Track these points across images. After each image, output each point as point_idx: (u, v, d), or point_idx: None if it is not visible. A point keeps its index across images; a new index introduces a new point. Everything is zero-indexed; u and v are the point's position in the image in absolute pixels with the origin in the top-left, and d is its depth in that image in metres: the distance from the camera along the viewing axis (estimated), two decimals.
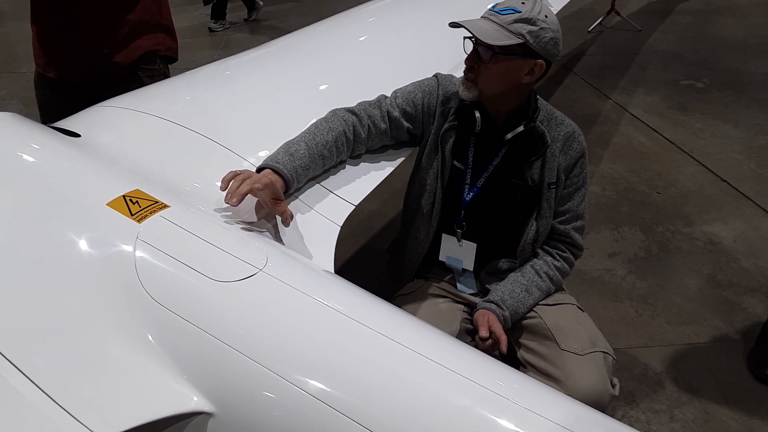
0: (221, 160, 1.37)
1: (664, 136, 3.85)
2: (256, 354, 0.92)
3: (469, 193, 1.56)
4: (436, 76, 1.60)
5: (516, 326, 1.57)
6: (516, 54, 1.40)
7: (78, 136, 1.35)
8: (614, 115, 4.16)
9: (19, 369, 0.84)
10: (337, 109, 1.51)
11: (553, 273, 1.59)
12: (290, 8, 6.89)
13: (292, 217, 1.26)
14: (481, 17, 1.43)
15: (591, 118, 4.10)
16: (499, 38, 1.38)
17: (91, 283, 0.98)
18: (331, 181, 1.46)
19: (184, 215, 1.11)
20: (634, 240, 2.88)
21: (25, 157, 1.22)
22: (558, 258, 1.60)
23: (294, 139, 1.40)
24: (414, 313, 1.55)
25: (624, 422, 0.97)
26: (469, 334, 1.56)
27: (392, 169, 1.57)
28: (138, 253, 1.01)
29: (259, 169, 1.31)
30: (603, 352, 1.47)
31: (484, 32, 1.39)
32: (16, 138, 1.27)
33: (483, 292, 1.61)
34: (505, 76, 1.43)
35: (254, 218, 1.24)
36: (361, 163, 1.54)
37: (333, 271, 1.21)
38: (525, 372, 1.49)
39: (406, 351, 0.95)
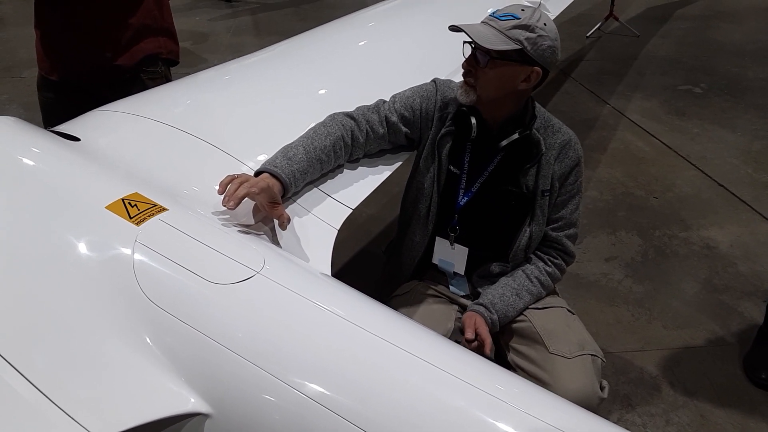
0: (220, 163, 1.38)
1: (661, 141, 3.86)
2: (253, 356, 0.92)
3: (463, 198, 1.58)
4: (434, 81, 1.62)
5: (506, 329, 1.58)
6: (513, 60, 1.41)
7: (78, 140, 1.36)
8: (612, 120, 4.18)
9: (17, 369, 0.85)
10: (335, 113, 1.52)
11: (544, 278, 1.60)
12: (290, 13, 6.91)
13: (289, 220, 1.27)
14: (481, 22, 1.45)
15: (589, 123, 4.12)
16: (496, 43, 1.39)
17: (89, 286, 0.98)
18: (329, 184, 1.47)
19: (182, 218, 1.12)
20: (631, 244, 2.90)
21: (25, 160, 1.23)
22: (550, 264, 1.61)
23: (292, 143, 1.41)
24: (408, 314, 1.56)
25: (620, 425, 0.98)
26: (462, 334, 1.57)
27: (390, 173, 1.58)
28: (136, 256, 1.02)
29: (257, 173, 1.33)
30: (591, 354, 1.48)
31: (483, 36, 1.40)
32: (16, 142, 1.28)
33: (475, 295, 1.62)
34: (501, 82, 1.44)
35: (252, 221, 1.25)
36: (359, 168, 1.55)
37: (330, 274, 1.22)
38: None
39: (402, 353, 0.96)
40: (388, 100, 1.59)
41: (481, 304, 1.54)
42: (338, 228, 1.37)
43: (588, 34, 5.82)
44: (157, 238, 1.05)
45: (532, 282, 1.58)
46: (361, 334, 0.98)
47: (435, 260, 1.65)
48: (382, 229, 3.00)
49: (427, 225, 1.61)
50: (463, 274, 1.63)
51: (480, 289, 1.61)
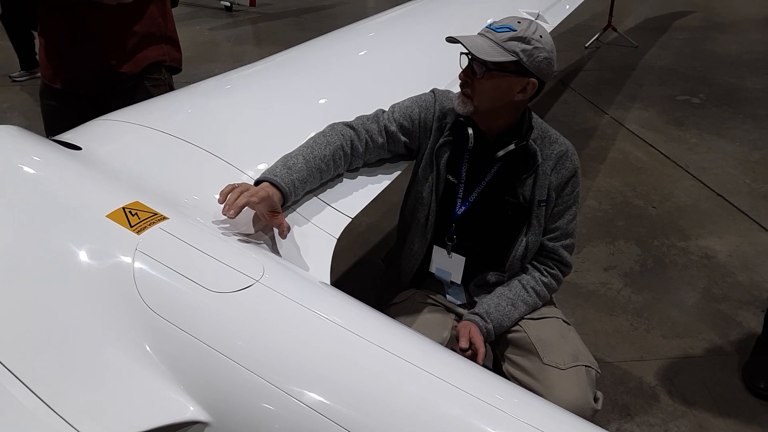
0: (220, 173, 1.39)
1: (660, 151, 3.88)
2: (252, 364, 0.93)
3: (461, 207, 1.58)
4: (433, 91, 1.63)
5: (501, 340, 1.59)
6: (509, 71, 1.42)
7: (79, 149, 1.37)
8: (611, 130, 4.19)
9: (17, 377, 0.85)
10: (335, 123, 1.53)
11: (540, 288, 1.60)
12: (290, 23, 6.95)
13: (288, 229, 1.28)
14: (478, 34, 1.46)
15: (588, 133, 4.13)
16: (492, 54, 1.40)
17: (90, 294, 0.99)
18: (328, 194, 1.48)
19: (182, 227, 1.13)
20: (630, 254, 2.90)
21: (27, 169, 1.23)
22: (546, 274, 1.62)
23: (292, 152, 1.42)
24: (406, 322, 1.57)
25: None
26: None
27: (389, 182, 1.59)
28: (137, 264, 1.03)
29: (257, 182, 1.33)
30: (585, 366, 1.48)
31: (479, 48, 1.41)
32: (17, 151, 1.28)
33: (472, 304, 1.63)
34: (498, 93, 1.45)
35: (252, 230, 1.26)
36: (358, 177, 1.56)
37: (329, 282, 1.22)
38: None
39: (401, 362, 0.97)
40: (387, 110, 1.60)
41: (477, 314, 1.55)
42: (338, 237, 1.37)
43: (587, 45, 5.86)
44: (158, 247, 1.06)
45: (528, 292, 1.59)
46: (359, 343, 0.99)
47: (432, 269, 1.66)
48: (382, 238, 3.01)
49: (425, 234, 1.62)
50: (460, 283, 1.64)
51: (476, 299, 1.62)
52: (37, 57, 1.99)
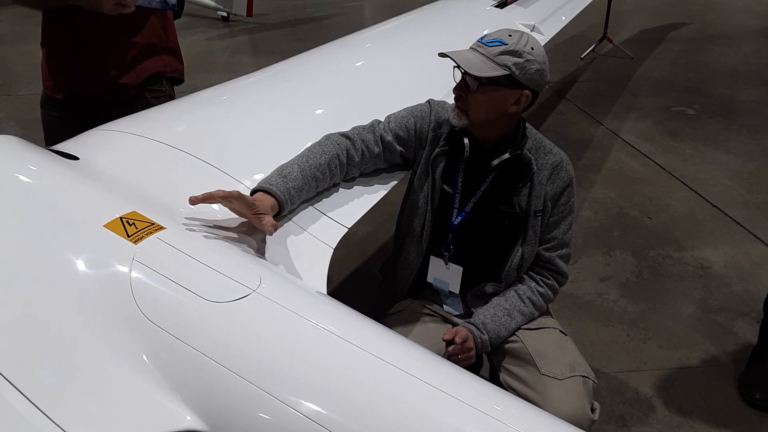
0: (217, 182, 1.39)
1: (655, 162, 3.90)
2: (248, 374, 0.93)
3: (457, 217, 1.59)
4: (428, 102, 1.64)
5: (498, 350, 1.59)
6: (502, 85, 1.43)
7: (76, 158, 1.37)
8: (606, 141, 4.21)
9: (14, 385, 0.85)
10: (331, 133, 1.54)
11: (536, 298, 1.61)
12: (287, 33, 6.97)
13: (275, 227, 1.25)
14: (470, 48, 1.47)
15: (583, 144, 4.15)
16: (484, 70, 1.42)
17: (87, 303, 0.99)
18: (324, 203, 1.48)
19: (179, 237, 1.13)
20: (626, 264, 2.91)
21: (24, 179, 1.24)
22: (542, 284, 1.62)
23: (288, 162, 1.43)
24: (403, 332, 1.57)
25: None
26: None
27: (385, 192, 1.59)
28: (134, 274, 1.03)
29: (253, 192, 1.34)
30: (583, 376, 1.48)
31: (471, 63, 1.42)
32: (14, 160, 1.28)
33: (468, 315, 1.63)
34: (491, 106, 1.46)
35: (247, 240, 1.25)
36: (355, 186, 1.56)
37: (326, 292, 1.22)
38: None
39: (398, 372, 0.97)
40: (383, 120, 1.61)
41: (473, 324, 1.55)
42: (334, 247, 1.38)
43: (582, 56, 5.89)
44: (155, 257, 1.06)
45: (524, 302, 1.59)
46: (356, 353, 0.99)
47: (430, 279, 1.66)
48: (378, 248, 3.01)
49: (421, 243, 1.62)
50: (457, 293, 1.64)
51: (473, 309, 1.62)
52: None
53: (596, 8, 4.66)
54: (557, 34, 3.04)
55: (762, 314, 2.23)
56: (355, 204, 1.52)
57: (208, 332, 0.97)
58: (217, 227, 1.24)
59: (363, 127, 1.58)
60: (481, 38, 1.47)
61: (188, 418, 0.90)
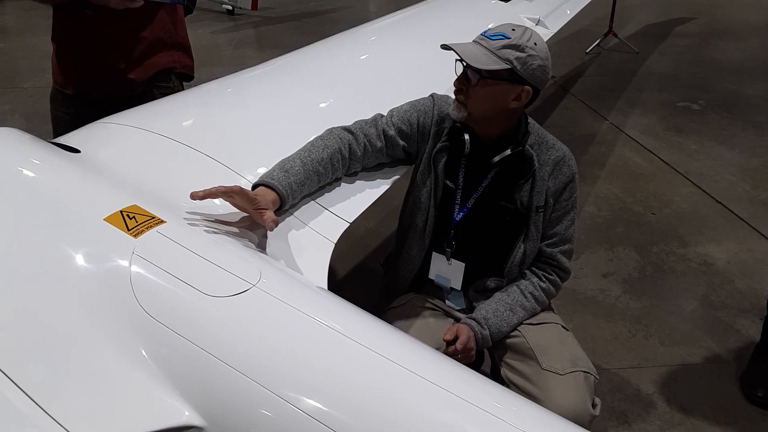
0: (219, 176, 1.39)
1: (659, 158, 3.88)
2: (248, 369, 0.92)
3: (459, 213, 1.58)
4: (432, 96, 1.63)
5: (499, 345, 1.59)
6: (503, 79, 1.42)
7: (78, 151, 1.37)
8: (610, 136, 4.20)
9: (12, 380, 0.85)
10: (333, 127, 1.53)
11: (538, 294, 1.60)
12: (292, 27, 6.95)
13: (276, 222, 1.25)
14: (472, 41, 1.47)
15: (587, 139, 4.14)
16: (486, 63, 1.41)
17: (86, 297, 0.99)
18: (326, 198, 1.48)
19: (179, 231, 1.13)
20: (629, 260, 2.90)
21: (25, 171, 1.23)
22: (544, 280, 1.62)
23: (289, 156, 1.42)
24: (404, 326, 1.57)
25: None
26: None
27: (387, 187, 1.59)
28: (133, 268, 1.02)
29: (254, 186, 1.33)
30: (584, 371, 1.48)
31: (473, 56, 1.42)
32: (16, 153, 1.28)
33: (471, 310, 1.62)
34: (492, 100, 1.46)
35: (248, 234, 1.25)
36: (357, 181, 1.56)
37: (326, 287, 1.22)
38: None
39: (398, 369, 0.96)
40: (385, 114, 1.60)
41: (474, 319, 1.55)
42: (335, 241, 1.37)
43: (587, 50, 5.86)
44: (155, 251, 1.06)
45: (526, 297, 1.59)
46: (357, 349, 0.98)
47: (431, 275, 1.66)
48: (380, 243, 3.01)
49: (423, 239, 1.62)
50: (459, 289, 1.64)
51: (475, 304, 1.62)
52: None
53: (602, 2, 4.65)
54: (562, 28, 3.02)
55: (765, 311, 2.22)
56: (357, 199, 1.51)
57: (207, 327, 0.97)
58: (217, 221, 1.23)
59: (365, 122, 1.57)
60: (485, 32, 1.46)
61: (186, 413, 0.90)
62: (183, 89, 2.05)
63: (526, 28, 1.44)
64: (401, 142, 1.58)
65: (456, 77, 1.49)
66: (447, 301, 1.68)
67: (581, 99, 4.83)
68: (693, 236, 3.08)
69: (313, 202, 1.45)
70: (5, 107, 4.65)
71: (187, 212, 1.22)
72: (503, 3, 2.91)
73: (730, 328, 2.47)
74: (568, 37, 5.98)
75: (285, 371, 0.94)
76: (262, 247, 1.25)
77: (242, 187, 1.26)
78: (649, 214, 3.28)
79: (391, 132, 1.56)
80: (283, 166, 1.38)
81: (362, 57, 2.21)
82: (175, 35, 1.98)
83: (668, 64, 5.59)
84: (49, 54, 1.98)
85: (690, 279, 2.77)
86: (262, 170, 1.40)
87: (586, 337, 2.38)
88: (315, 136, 1.50)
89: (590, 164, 3.76)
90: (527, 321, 1.59)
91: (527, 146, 1.52)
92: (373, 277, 2.04)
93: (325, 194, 1.48)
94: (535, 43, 1.42)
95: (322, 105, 1.81)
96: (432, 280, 1.67)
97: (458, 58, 1.44)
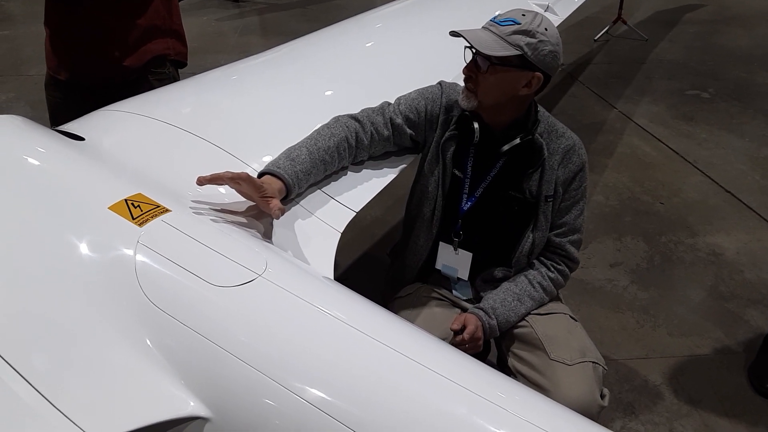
0: (224, 165, 1.37)
1: (668, 146, 3.85)
2: (253, 359, 0.92)
3: (467, 203, 1.57)
4: (439, 83, 1.61)
5: (507, 335, 1.58)
6: (513, 65, 1.40)
7: (82, 139, 1.36)
8: (619, 125, 4.16)
9: (17, 371, 0.85)
10: (339, 115, 1.52)
11: (546, 284, 1.59)
12: (297, 14, 6.91)
13: (282, 210, 1.24)
14: (482, 27, 1.44)
15: (596, 127, 4.10)
16: (496, 49, 1.38)
17: (91, 287, 0.98)
18: (332, 187, 1.46)
19: (185, 220, 1.12)
20: (637, 250, 2.88)
21: (30, 159, 1.23)
22: (552, 269, 1.60)
23: (296, 144, 1.41)
24: (410, 315, 1.56)
25: None
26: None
27: (394, 176, 1.57)
28: (138, 257, 1.02)
29: (260, 175, 1.32)
30: (593, 362, 1.47)
31: (483, 42, 1.39)
32: (20, 141, 1.27)
33: (478, 300, 1.62)
34: (502, 87, 1.43)
35: (254, 223, 1.24)
36: (363, 170, 1.54)
37: (333, 277, 1.21)
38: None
39: (404, 359, 0.95)
40: (393, 102, 1.58)
41: (481, 308, 1.54)
42: (342, 231, 1.36)
43: (596, 38, 5.80)
44: (160, 240, 1.05)
45: (534, 287, 1.57)
46: (363, 339, 0.98)
47: (438, 266, 1.64)
48: (387, 232, 2.99)
49: (431, 228, 1.60)
50: (467, 279, 1.62)
51: (483, 294, 1.60)
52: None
53: None
54: (571, 15, 2.99)
55: None
56: (363, 188, 1.50)
57: (212, 317, 0.96)
58: (223, 210, 1.22)
59: (372, 110, 1.55)
60: (494, 17, 1.43)
61: (192, 403, 0.89)
62: (178, 76, 2.04)
63: (537, 13, 1.42)
64: (409, 131, 1.56)
65: (465, 65, 1.47)
66: (454, 291, 1.66)
67: (589, 87, 4.78)
68: (702, 226, 3.05)
69: (319, 191, 1.44)
70: (10, 95, 4.65)
71: (192, 201, 1.21)
72: None
73: (739, 318, 2.45)
74: (576, 24, 5.92)
75: (290, 362, 0.93)
76: (268, 236, 1.24)
77: (249, 174, 1.25)
78: (658, 204, 3.25)
79: (399, 120, 1.54)
80: (289, 154, 1.37)
81: (368, 44, 2.19)
82: (169, 22, 1.97)
83: (677, 52, 5.53)
84: None
85: (699, 269, 2.75)
86: (268, 158, 1.39)
87: (593, 328, 2.37)
88: (321, 125, 1.49)
89: (598, 153, 3.73)
90: (535, 311, 1.58)
91: (537, 135, 1.50)
92: (380, 267, 2.03)
93: (332, 183, 1.47)
94: (546, 29, 1.40)
95: (328, 93, 1.80)
96: (439, 270, 1.66)
97: (468, 44, 1.42)
